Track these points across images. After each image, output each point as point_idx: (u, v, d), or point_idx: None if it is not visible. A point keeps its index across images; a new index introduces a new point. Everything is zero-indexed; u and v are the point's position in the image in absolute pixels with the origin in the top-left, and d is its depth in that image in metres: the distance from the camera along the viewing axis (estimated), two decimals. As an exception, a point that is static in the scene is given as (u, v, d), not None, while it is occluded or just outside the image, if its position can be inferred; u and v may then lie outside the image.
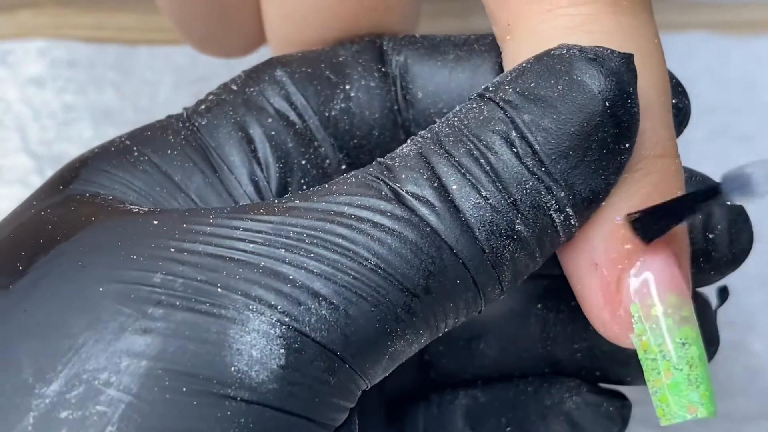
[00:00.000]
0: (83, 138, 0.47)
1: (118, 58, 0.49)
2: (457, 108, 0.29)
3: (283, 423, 0.27)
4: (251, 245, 0.27)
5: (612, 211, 0.29)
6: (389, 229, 0.27)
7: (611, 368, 0.34)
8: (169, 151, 0.31)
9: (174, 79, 0.49)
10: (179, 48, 0.48)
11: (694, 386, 0.28)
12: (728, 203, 0.31)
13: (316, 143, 0.32)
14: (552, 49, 0.28)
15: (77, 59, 0.49)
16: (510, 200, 0.28)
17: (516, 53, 0.29)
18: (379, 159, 0.29)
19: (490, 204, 0.28)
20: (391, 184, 0.28)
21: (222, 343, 0.26)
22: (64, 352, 0.26)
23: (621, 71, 0.27)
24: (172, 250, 0.27)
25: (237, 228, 0.28)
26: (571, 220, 0.28)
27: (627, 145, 0.28)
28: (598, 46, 0.28)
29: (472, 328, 0.35)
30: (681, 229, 0.29)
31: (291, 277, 0.27)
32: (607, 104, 0.27)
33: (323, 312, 0.27)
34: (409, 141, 0.29)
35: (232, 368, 0.26)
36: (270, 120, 0.32)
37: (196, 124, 0.32)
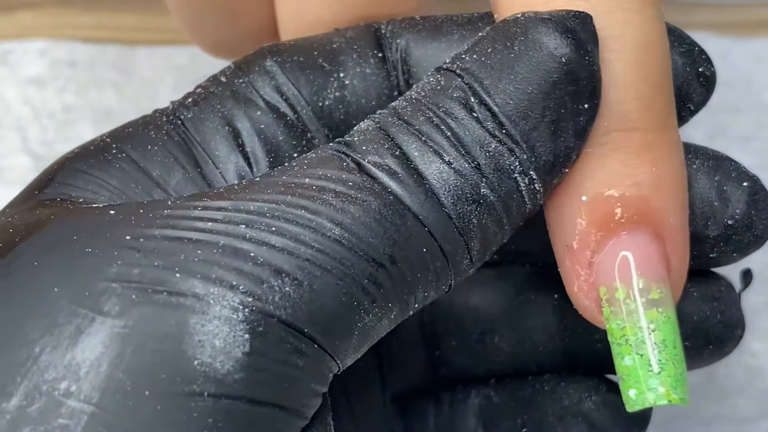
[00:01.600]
0: (83, 138, 0.46)
1: (119, 58, 0.49)
2: (415, 85, 0.29)
3: (254, 415, 0.25)
4: (210, 224, 0.26)
5: (579, 190, 0.28)
6: (352, 198, 0.27)
7: None
8: (149, 147, 0.30)
9: (174, 79, 0.49)
10: (179, 48, 0.48)
11: (655, 371, 0.28)
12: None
13: (309, 135, 0.31)
14: (508, 17, 0.28)
15: (77, 59, 0.49)
16: (473, 164, 0.27)
17: None
18: (338, 138, 0.28)
19: (454, 168, 0.27)
20: (352, 155, 0.27)
21: (182, 336, 0.25)
22: (22, 362, 0.25)
23: (577, 29, 0.27)
24: (128, 237, 0.26)
25: (195, 208, 0.27)
26: (536, 185, 0.28)
27: (586, 105, 0.27)
28: (555, 10, 0.28)
29: (485, 320, 0.34)
30: (664, 206, 0.29)
31: (252, 254, 0.26)
32: (564, 61, 0.27)
33: (287, 289, 0.26)
34: (366, 119, 0.28)
35: (195, 362, 0.25)
36: (259, 113, 0.31)
37: (182, 117, 0.31)
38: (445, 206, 0.27)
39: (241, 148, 0.30)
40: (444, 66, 0.28)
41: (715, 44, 0.48)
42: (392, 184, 0.27)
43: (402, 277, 0.27)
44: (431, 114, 0.28)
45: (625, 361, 0.28)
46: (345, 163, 0.27)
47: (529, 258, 0.34)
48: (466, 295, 0.34)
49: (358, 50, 0.32)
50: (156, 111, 0.31)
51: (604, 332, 0.32)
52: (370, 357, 0.34)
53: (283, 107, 0.31)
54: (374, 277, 0.27)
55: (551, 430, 0.34)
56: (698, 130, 0.47)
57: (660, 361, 0.28)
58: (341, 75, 0.31)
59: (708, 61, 0.31)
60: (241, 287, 0.26)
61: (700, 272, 0.33)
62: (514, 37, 0.28)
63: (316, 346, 0.26)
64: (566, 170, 0.28)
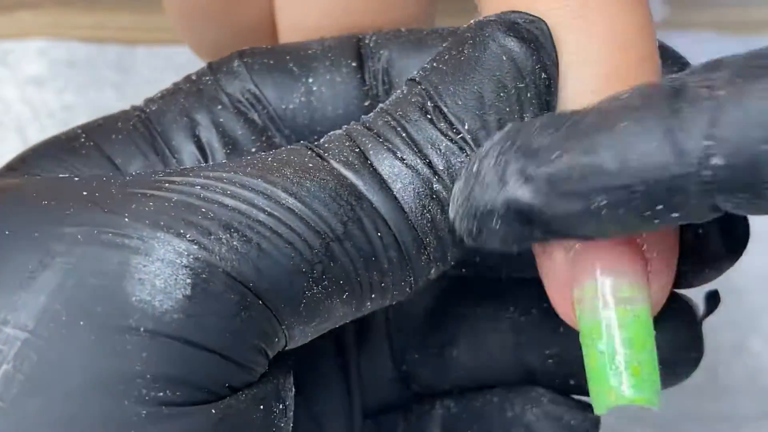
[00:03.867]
0: (83, 138, 0.47)
1: (118, 58, 0.49)
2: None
3: (193, 357, 0.26)
4: (167, 184, 0.27)
5: None
6: (310, 174, 0.27)
7: (584, 376, 0.32)
8: (113, 136, 0.31)
9: (174, 79, 0.48)
10: (179, 48, 0.48)
11: (618, 371, 0.27)
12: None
13: (269, 133, 0.32)
14: (468, 24, 0.29)
15: (77, 59, 0.49)
16: (425, 161, 0.28)
17: None
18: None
19: (406, 164, 0.28)
20: (315, 150, 0.28)
21: (123, 274, 0.26)
22: None
23: (523, 27, 0.28)
24: (85, 193, 0.27)
25: (150, 175, 0.28)
26: None
27: (534, 101, 0.28)
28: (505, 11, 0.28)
29: (444, 333, 0.34)
30: None
31: (203, 209, 0.27)
32: (508, 57, 0.28)
33: (235, 243, 0.26)
34: (339, 129, 0.29)
35: (134, 298, 0.25)
36: (220, 107, 0.32)
37: (147, 110, 0.32)
38: (399, 200, 0.28)
39: (196, 138, 0.31)
40: (410, 77, 0.29)
41: (718, 44, 0.48)
42: (349, 174, 0.28)
43: (354, 255, 0.27)
44: (389, 118, 0.28)
45: (590, 360, 0.27)
46: (310, 152, 0.28)
47: (490, 271, 0.34)
48: (425, 306, 0.34)
49: (332, 58, 0.32)
50: (133, 106, 0.32)
51: (555, 347, 0.33)
52: (338, 375, 0.34)
53: (245, 106, 0.32)
54: (324, 248, 0.27)
55: None
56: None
57: (626, 359, 0.27)
58: (309, 80, 0.32)
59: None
60: (188, 236, 0.26)
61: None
62: (465, 41, 0.28)
63: (260, 302, 0.27)
64: None
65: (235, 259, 0.26)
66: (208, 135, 0.31)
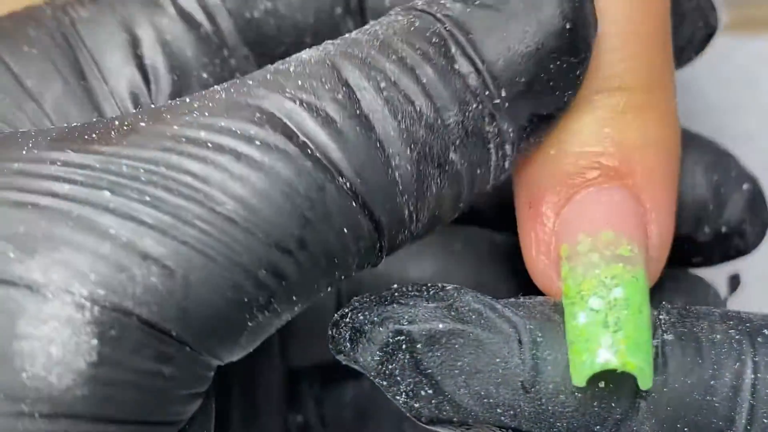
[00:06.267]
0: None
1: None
2: (377, 20, 0.24)
3: None
4: (67, 186, 0.21)
5: (551, 146, 0.25)
6: (256, 162, 0.22)
7: None
8: (26, 48, 0.25)
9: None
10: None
11: (611, 329, 0.24)
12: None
13: (225, 52, 0.27)
14: None
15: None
16: (446, 123, 0.23)
17: None
18: (269, 65, 0.24)
19: (424, 122, 0.23)
20: (266, 103, 0.22)
21: (10, 342, 0.20)
22: None
23: None
24: None
25: (55, 162, 0.21)
26: (506, 161, 0.25)
27: (578, 73, 0.24)
28: None
29: None
30: (646, 168, 0.26)
31: (112, 231, 0.21)
32: (565, 26, 0.24)
33: (153, 279, 0.21)
34: (311, 48, 0.24)
35: (24, 374, 0.20)
36: (167, 20, 0.26)
37: (74, 16, 0.26)
38: (396, 166, 0.23)
39: (139, 60, 0.26)
40: (418, 6, 0.24)
41: (717, 42, 0.48)
42: (321, 137, 0.22)
43: (312, 264, 0.23)
44: (403, 54, 0.23)
45: (577, 320, 0.24)
46: (257, 115, 0.22)
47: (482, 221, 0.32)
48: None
49: None
50: (47, 2, 0.27)
51: None
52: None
53: (200, 15, 0.26)
54: (275, 266, 0.22)
55: None
56: (699, 130, 0.47)
57: (619, 319, 0.24)
58: None
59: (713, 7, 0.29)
60: (92, 276, 0.20)
61: (684, 276, 0.30)
62: None
63: (188, 349, 0.22)
64: (541, 140, 0.25)
65: (153, 302, 0.21)
66: (153, 57, 0.26)
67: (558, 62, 0.24)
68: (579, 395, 0.24)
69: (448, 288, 0.24)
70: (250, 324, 0.22)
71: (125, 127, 0.22)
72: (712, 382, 0.24)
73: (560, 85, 0.24)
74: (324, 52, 0.23)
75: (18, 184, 0.21)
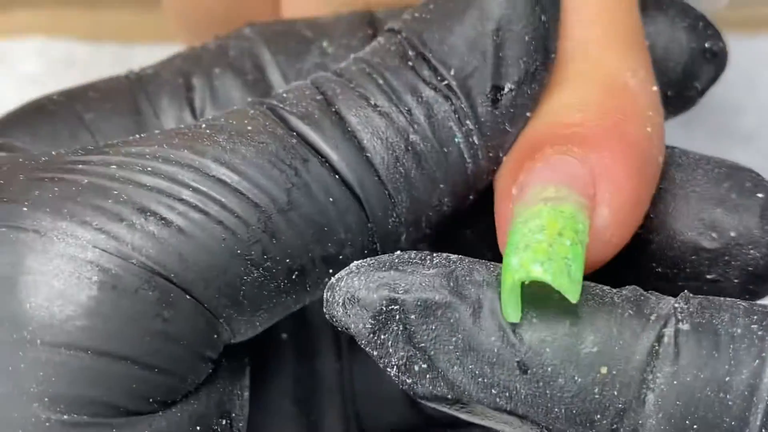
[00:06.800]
0: (81, 137, 0.46)
1: (116, 57, 0.49)
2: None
3: (104, 370, 0.22)
4: (81, 165, 0.24)
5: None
6: (247, 139, 0.24)
7: None
8: (90, 94, 0.28)
9: (172, 78, 0.48)
10: (177, 47, 0.48)
11: (539, 239, 0.23)
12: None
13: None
14: None
15: (75, 58, 0.49)
16: (403, 109, 0.25)
17: None
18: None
19: (379, 111, 0.25)
20: (268, 102, 0.25)
21: (16, 276, 0.22)
22: None
23: None
24: None
25: (76, 153, 0.24)
26: (474, 137, 0.25)
27: (535, 53, 0.25)
28: None
29: None
30: (604, 136, 0.25)
31: (115, 191, 0.23)
32: (502, 6, 0.25)
33: (151, 228, 0.23)
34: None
35: (28, 305, 0.22)
36: (218, 69, 0.28)
37: (141, 73, 0.29)
38: (367, 150, 0.25)
39: (189, 98, 0.28)
40: (388, 27, 0.27)
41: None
42: (302, 125, 0.25)
43: (301, 228, 0.24)
44: (364, 65, 0.26)
45: (511, 236, 0.24)
46: (255, 110, 0.25)
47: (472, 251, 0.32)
48: None
49: (346, 25, 0.29)
50: (128, 70, 0.30)
51: None
52: (338, 381, 0.31)
53: (248, 67, 0.29)
54: (264, 225, 0.24)
55: None
56: (699, 130, 0.47)
57: (549, 239, 0.24)
58: (324, 44, 0.29)
59: (716, 35, 0.29)
60: (94, 223, 0.23)
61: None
62: None
63: (188, 297, 0.23)
64: (510, 128, 0.26)
65: (151, 247, 0.23)
66: (203, 96, 0.28)
67: (504, 43, 0.25)
68: (579, 380, 0.23)
69: (452, 257, 0.24)
70: (246, 279, 0.24)
71: (144, 134, 0.25)
72: (727, 379, 0.23)
73: (514, 64, 0.25)
74: (311, 79, 0.26)
75: (42, 167, 0.24)
